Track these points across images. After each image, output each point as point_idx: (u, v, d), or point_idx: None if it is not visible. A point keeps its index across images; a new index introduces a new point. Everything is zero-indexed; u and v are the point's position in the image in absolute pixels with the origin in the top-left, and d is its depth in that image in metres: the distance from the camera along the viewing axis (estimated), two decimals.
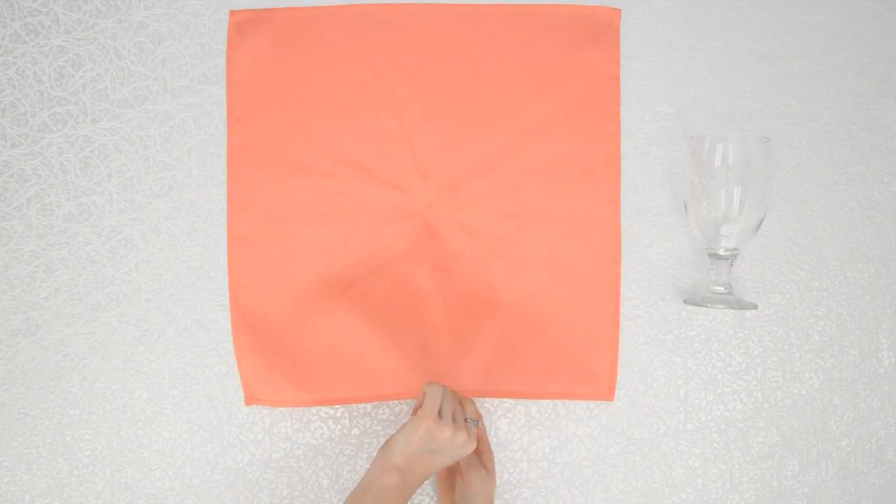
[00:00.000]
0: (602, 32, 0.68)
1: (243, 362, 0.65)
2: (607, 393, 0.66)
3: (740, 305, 0.61)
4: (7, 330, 0.66)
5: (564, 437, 0.66)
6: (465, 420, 0.58)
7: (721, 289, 0.63)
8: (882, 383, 0.67)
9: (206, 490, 0.65)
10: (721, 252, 0.62)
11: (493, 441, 0.66)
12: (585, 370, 0.65)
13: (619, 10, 0.68)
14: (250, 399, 0.65)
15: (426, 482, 0.64)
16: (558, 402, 0.66)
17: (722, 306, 0.61)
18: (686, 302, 0.64)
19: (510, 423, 0.66)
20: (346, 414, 0.67)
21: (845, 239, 0.69)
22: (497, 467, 0.66)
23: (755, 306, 0.62)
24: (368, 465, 0.64)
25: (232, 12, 0.67)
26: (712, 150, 0.61)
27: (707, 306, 0.62)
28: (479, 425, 0.59)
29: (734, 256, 0.63)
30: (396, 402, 0.66)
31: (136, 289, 0.67)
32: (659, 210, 0.69)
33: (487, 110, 0.66)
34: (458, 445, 0.55)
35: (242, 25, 0.67)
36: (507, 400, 0.66)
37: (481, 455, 0.62)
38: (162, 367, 0.66)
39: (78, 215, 0.67)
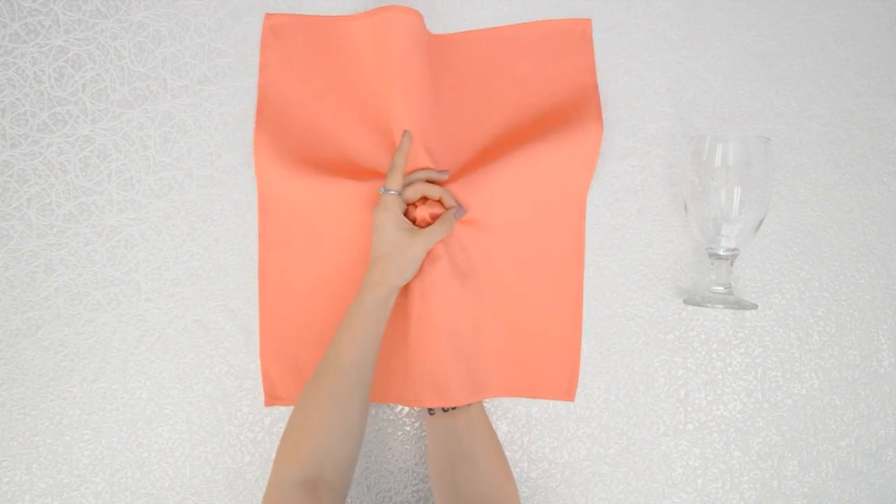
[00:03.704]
0: (575, 44, 0.69)
1: (268, 362, 0.65)
2: (567, 393, 0.66)
3: (740, 305, 0.61)
4: (7, 330, 0.66)
5: (564, 437, 0.66)
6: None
7: (721, 289, 0.63)
8: (882, 383, 0.67)
9: (206, 490, 0.65)
10: (721, 252, 0.62)
11: None
12: (548, 370, 0.66)
13: (590, 20, 0.69)
14: (271, 399, 0.65)
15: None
16: (559, 402, 0.66)
17: (722, 306, 0.61)
18: (686, 302, 0.64)
19: (510, 423, 0.66)
20: None
21: (845, 239, 0.69)
22: None
23: (755, 306, 0.62)
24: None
25: (267, 15, 0.68)
26: (712, 150, 0.61)
27: (707, 306, 0.62)
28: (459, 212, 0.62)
29: (734, 256, 0.63)
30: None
31: (136, 289, 0.67)
32: (659, 210, 0.69)
33: (478, 122, 0.68)
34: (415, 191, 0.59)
35: (277, 29, 0.68)
36: (506, 400, 0.66)
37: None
38: (162, 367, 0.66)
39: (78, 215, 0.67)
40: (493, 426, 0.66)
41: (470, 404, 0.62)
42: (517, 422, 0.66)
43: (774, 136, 0.69)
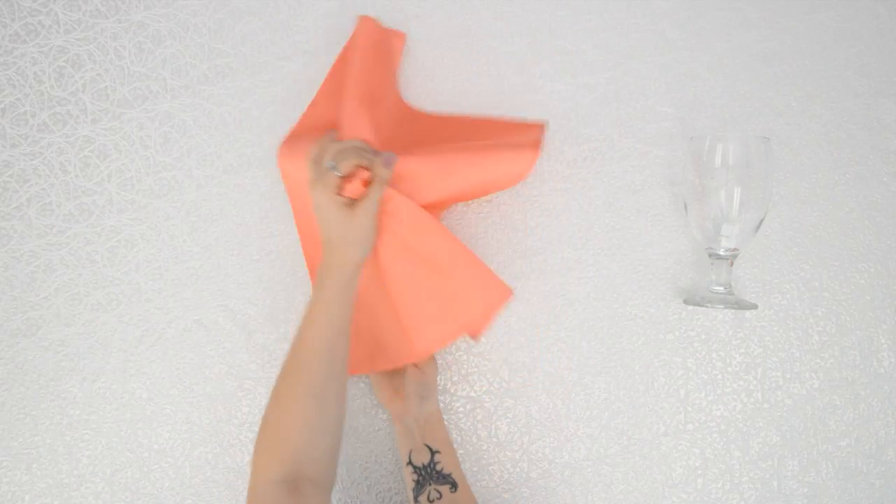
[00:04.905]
0: (527, 134, 0.68)
1: None
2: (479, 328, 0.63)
3: (740, 305, 0.61)
4: (7, 330, 0.66)
5: (564, 437, 0.66)
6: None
7: (721, 289, 0.63)
8: (882, 383, 0.67)
9: (206, 490, 0.65)
10: (721, 252, 0.62)
11: (492, 441, 0.66)
12: (464, 307, 0.62)
13: (545, 123, 0.68)
14: None
15: None
16: (558, 401, 0.66)
17: (722, 306, 0.61)
18: (686, 302, 0.64)
19: (510, 423, 0.66)
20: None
21: (845, 239, 0.69)
22: (497, 467, 0.66)
23: (755, 306, 0.62)
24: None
25: (362, 18, 0.69)
26: (712, 150, 0.61)
27: (707, 306, 0.62)
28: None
29: (734, 256, 0.63)
30: None
31: (136, 289, 0.67)
32: (659, 210, 0.69)
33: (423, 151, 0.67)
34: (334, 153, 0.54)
35: (366, 33, 0.69)
36: (507, 399, 0.66)
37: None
38: (162, 367, 0.66)
39: (78, 215, 0.67)
40: (493, 426, 0.66)
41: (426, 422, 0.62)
42: (517, 422, 0.66)
43: (774, 136, 0.69)
